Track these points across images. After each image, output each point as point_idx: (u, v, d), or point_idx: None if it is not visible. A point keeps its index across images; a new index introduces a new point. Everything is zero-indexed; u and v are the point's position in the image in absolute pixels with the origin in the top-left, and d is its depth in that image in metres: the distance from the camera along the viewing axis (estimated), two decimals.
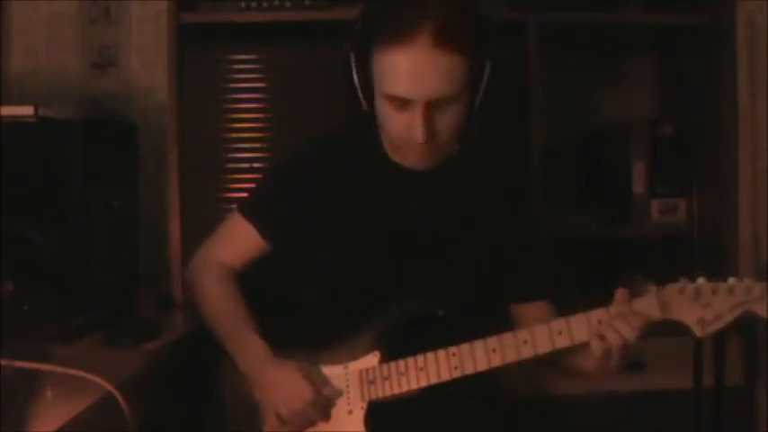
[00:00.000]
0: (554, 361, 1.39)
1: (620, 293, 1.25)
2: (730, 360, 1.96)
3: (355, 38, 1.33)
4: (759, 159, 2.43)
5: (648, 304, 1.24)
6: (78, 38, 2.32)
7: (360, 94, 1.36)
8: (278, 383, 1.34)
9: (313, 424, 1.35)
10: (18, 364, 1.22)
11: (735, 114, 2.18)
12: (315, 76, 2.25)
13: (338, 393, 1.36)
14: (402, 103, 1.31)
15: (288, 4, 2.06)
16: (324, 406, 1.35)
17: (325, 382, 1.36)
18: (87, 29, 2.33)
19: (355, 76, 1.35)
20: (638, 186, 2.25)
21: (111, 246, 1.83)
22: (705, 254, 2.21)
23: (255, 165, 2.31)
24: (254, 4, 2.06)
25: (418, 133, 1.30)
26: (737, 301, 1.20)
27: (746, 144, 2.37)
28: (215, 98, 2.34)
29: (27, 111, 1.59)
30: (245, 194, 1.61)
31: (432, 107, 1.30)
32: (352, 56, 1.34)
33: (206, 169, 2.29)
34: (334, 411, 1.36)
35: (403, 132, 1.34)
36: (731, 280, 1.21)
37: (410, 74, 1.27)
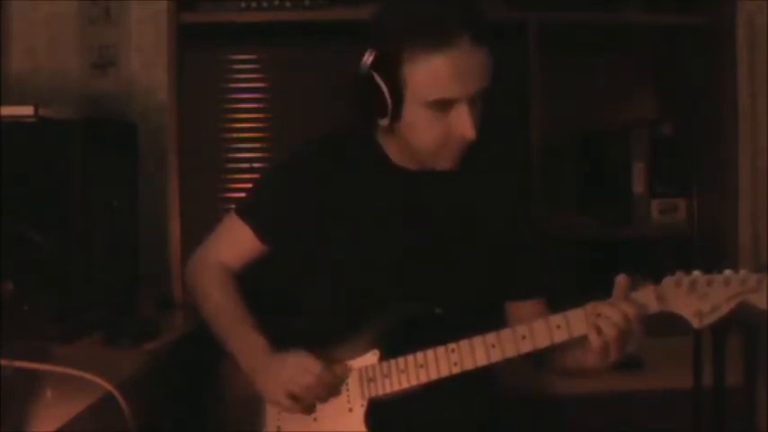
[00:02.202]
0: (554, 359, 1.39)
1: (621, 279, 1.25)
2: (730, 360, 1.95)
3: (382, 51, 1.30)
4: (759, 159, 2.42)
5: (645, 297, 1.24)
6: (78, 38, 2.33)
7: (389, 106, 1.31)
8: (285, 365, 1.35)
9: (323, 401, 1.36)
10: (18, 364, 1.23)
11: (735, 114, 2.18)
12: (315, 76, 2.25)
13: (339, 385, 1.36)
14: (443, 107, 1.31)
15: (288, 4, 2.06)
16: (332, 385, 1.35)
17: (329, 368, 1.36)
18: (87, 29, 2.33)
19: (385, 88, 1.30)
20: (638, 186, 2.25)
21: (111, 246, 1.83)
22: (705, 254, 2.21)
23: (255, 165, 2.31)
24: (254, 4, 2.06)
25: (468, 130, 1.32)
26: (733, 292, 1.21)
27: (746, 144, 2.37)
28: (215, 98, 2.34)
29: (27, 111, 1.59)
30: (244, 194, 1.61)
31: (472, 104, 1.32)
32: (380, 69, 1.30)
33: (206, 169, 2.29)
34: (334, 409, 1.36)
35: (444, 136, 1.33)
36: (727, 272, 1.21)
37: (456, 74, 1.28)
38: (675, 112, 2.37)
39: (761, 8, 2.39)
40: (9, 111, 1.58)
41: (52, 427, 1.09)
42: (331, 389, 1.35)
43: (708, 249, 2.20)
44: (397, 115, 1.33)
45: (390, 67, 1.30)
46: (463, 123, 1.31)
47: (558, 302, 1.43)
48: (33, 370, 1.25)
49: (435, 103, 1.30)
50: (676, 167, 2.27)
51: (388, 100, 1.31)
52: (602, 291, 1.27)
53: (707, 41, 2.20)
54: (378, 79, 1.31)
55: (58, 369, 1.25)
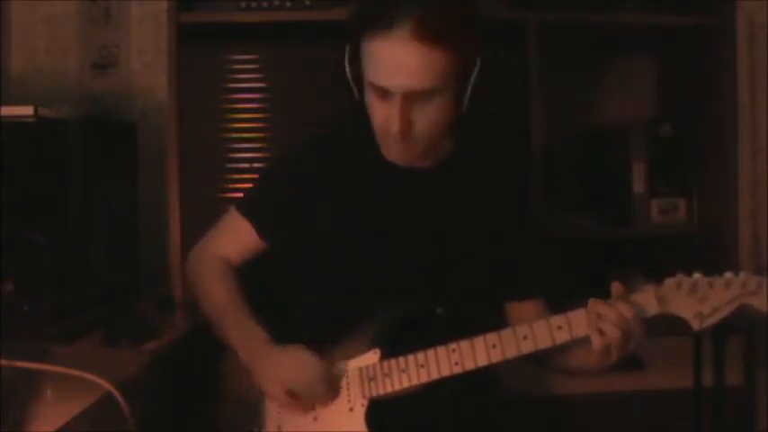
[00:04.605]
0: (554, 358, 1.39)
1: (616, 287, 1.25)
2: (730, 360, 1.95)
3: (348, 28, 1.34)
4: (759, 159, 2.42)
5: (646, 299, 1.24)
6: (78, 38, 2.33)
7: (352, 85, 1.36)
8: (284, 359, 1.34)
9: (323, 399, 1.35)
10: (18, 364, 1.22)
11: (735, 114, 2.18)
12: (315, 76, 2.25)
13: (338, 383, 1.36)
14: (383, 94, 1.31)
15: (288, 4, 2.06)
16: (330, 382, 1.34)
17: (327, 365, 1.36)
18: (87, 29, 2.33)
19: (347, 66, 1.35)
20: (638, 186, 2.25)
21: (111, 246, 1.83)
22: (705, 254, 2.21)
23: (255, 165, 2.31)
24: (253, 4, 2.06)
25: (393, 125, 1.31)
26: (734, 295, 1.21)
27: (746, 144, 2.37)
28: (215, 98, 2.34)
29: (27, 111, 1.59)
30: (246, 190, 1.61)
31: (410, 100, 1.29)
32: (347, 47, 1.35)
33: (206, 169, 2.29)
34: (334, 409, 1.36)
35: (383, 124, 1.34)
36: (728, 274, 1.22)
37: (390, 64, 1.28)
38: (675, 112, 2.37)
39: (761, 8, 2.39)
40: (9, 111, 1.58)
41: (52, 427, 1.09)
42: (329, 387, 1.35)
43: (708, 249, 2.20)
44: (363, 97, 1.35)
45: (355, 49, 1.33)
46: (391, 116, 1.31)
47: (558, 302, 1.43)
48: (33, 370, 1.24)
49: (374, 87, 1.31)
50: (676, 167, 2.27)
51: (350, 77, 1.35)
52: (602, 291, 1.27)
53: (707, 41, 2.20)
54: (347, 56, 1.35)
55: (58, 369, 1.25)
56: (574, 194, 2.41)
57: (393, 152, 1.39)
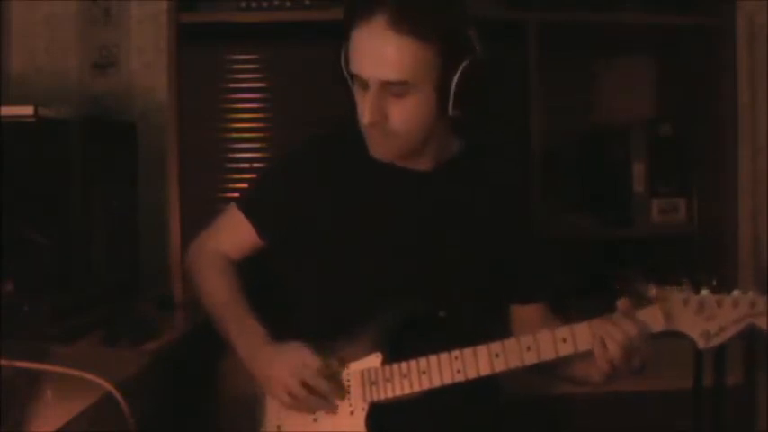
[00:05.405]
0: (559, 368, 1.38)
1: (623, 303, 1.25)
2: (730, 360, 1.96)
3: (343, 25, 1.34)
4: (759, 159, 2.43)
5: (652, 316, 1.24)
6: (78, 38, 2.33)
7: (349, 83, 1.36)
8: (281, 356, 1.34)
9: (326, 397, 1.33)
10: (18, 364, 1.22)
11: (735, 114, 2.18)
12: (315, 76, 2.25)
13: (338, 380, 1.35)
14: (364, 84, 1.30)
15: (288, 4, 2.06)
16: (333, 378, 1.33)
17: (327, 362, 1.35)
18: (87, 29, 2.33)
19: (343, 64, 1.35)
20: (638, 186, 2.25)
21: (111, 246, 1.83)
22: (705, 254, 2.21)
23: (255, 165, 2.31)
24: (253, 4, 2.06)
25: (365, 116, 1.30)
26: (741, 314, 1.20)
27: (746, 144, 2.37)
28: (215, 98, 2.34)
29: (27, 111, 1.59)
30: (246, 188, 1.61)
31: (385, 91, 1.29)
32: (343, 45, 1.35)
33: (206, 169, 2.29)
34: (334, 411, 1.36)
35: (360, 117, 1.34)
36: (735, 293, 1.21)
37: (367, 52, 1.28)
38: (675, 112, 2.38)
39: (761, 8, 2.40)
40: (9, 111, 1.58)
41: (52, 427, 1.09)
42: (331, 384, 1.33)
43: (708, 249, 2.20)
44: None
45: (348, 46, 1.32)
46: (363, 105, 1.31)
47: (558, 303, 1.43)
48: (33, 370, 1.24)
49: (354, 77, 1.31)
50: (676, 167, 2.27)
51: (345, 73, 1.34)
52: (602, 292, 1.27)
53: (707, 41, 2.20)
54: (343, 61, 1.34)
55: (58, 369, 1.25)
56: (574, 194, 2.41)
57: (373, 147, 1.38)
